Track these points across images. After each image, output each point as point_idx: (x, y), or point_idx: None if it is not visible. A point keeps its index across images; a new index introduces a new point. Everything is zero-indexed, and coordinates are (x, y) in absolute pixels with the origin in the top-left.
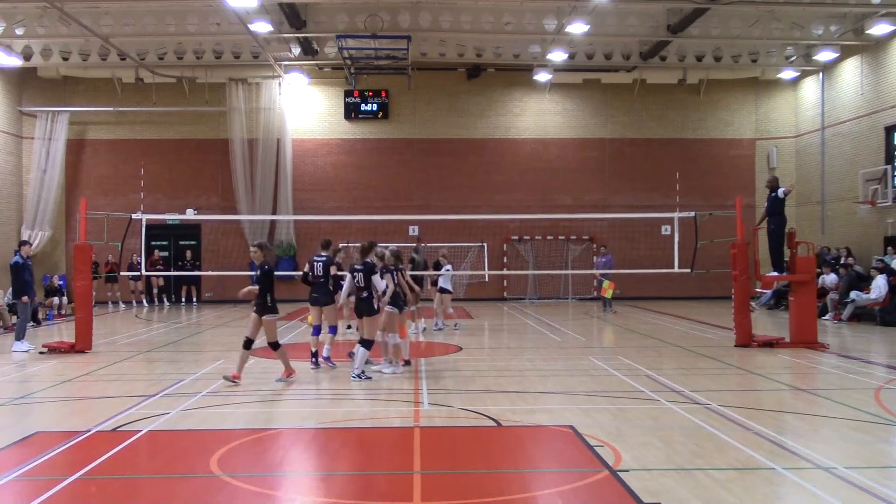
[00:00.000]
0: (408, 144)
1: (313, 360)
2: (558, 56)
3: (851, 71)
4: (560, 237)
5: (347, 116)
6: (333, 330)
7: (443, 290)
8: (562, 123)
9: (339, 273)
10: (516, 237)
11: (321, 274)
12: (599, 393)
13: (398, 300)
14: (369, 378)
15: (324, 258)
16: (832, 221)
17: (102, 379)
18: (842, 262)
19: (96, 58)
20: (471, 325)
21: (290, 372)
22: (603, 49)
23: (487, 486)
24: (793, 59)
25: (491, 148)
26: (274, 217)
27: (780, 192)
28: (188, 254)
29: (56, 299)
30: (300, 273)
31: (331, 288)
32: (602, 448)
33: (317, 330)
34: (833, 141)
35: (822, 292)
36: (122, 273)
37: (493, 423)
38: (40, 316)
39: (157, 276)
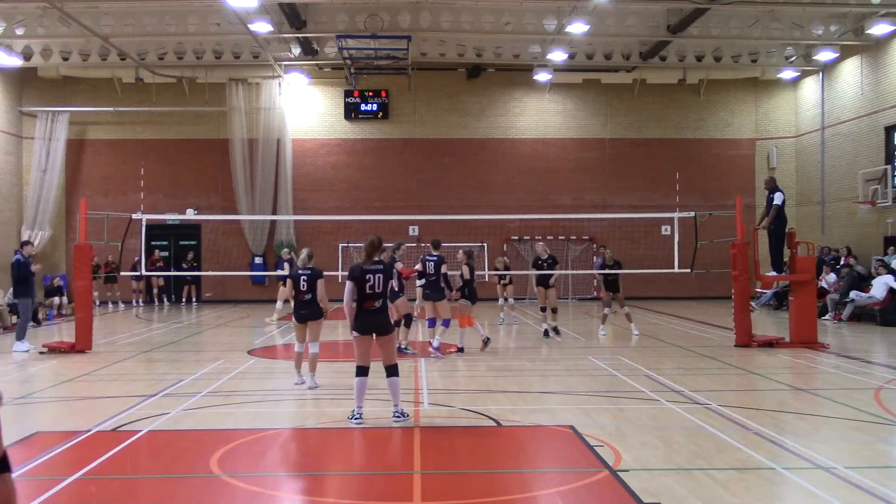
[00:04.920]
0: (408, 144)
1: (433, 349)
2: (558, 56)
3: (851, 71)
4: (560, 237)
5: (347, 116)
6: (447, 323)
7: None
8: (562, 123)
9: (451, 272)
10: (516, 237)
11: (433, 272)
12: (599, 393)
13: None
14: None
15: (435, 257)
16: (832, 221)
17: (102, 379)
18: (842, 262)
19: (96, 58)
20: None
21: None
22: (603, 49)
23: (487, 486)
24: (793, 59)
25: (491, 148)
26: (274, 217)
27: (778, 197)
28: (190, 255)
29: (56, 299)
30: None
31: (442, 285)
32: (602, 448)
33: (431, 322)
34: (833, 141)
35: (822, 292)
36: (123, 273)
37: (493, 423)
38: (40, 316)
39: (157, 276)
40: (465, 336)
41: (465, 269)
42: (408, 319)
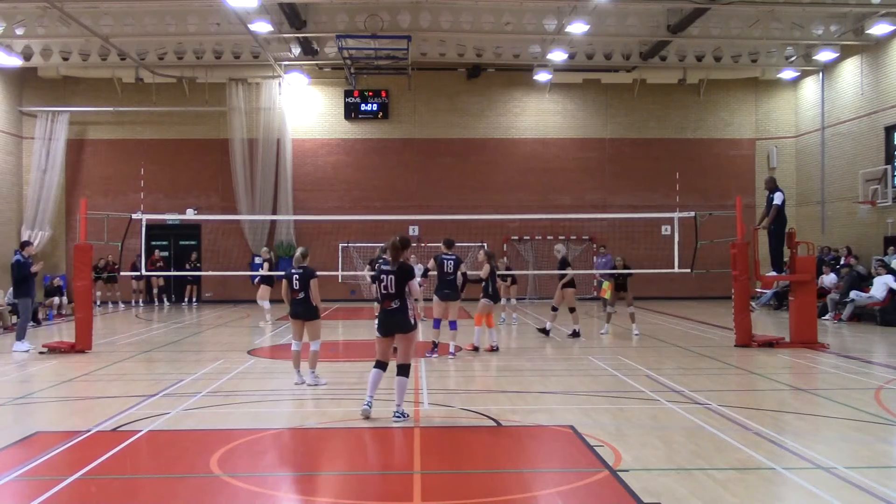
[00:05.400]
0: (408, 144)
1: (434, 350)
2: (558, 56)
3: (851, 71)
4: (560, 237)
5: (347, 116)
6: (454, 325)
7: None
8: (562, 123)
9: (471, 273)
10: (516, 237)
11: (452, 272)
12: (599, 393)
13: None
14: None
15: (454, 257)
16: (832, 221)
17: (102, 379)
18: (842, 262)
19: (96, 58)
20: (469, 324)
21: None
22: (603, 49)
23: (487, 486)
24: (793, 59)
25: (491, 148)
26: (274, 217)
27: (777, 197)
28: (193, 255)
29: (56, 299)
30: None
31: (458, 285)
32: (602, 448)
33: (437, 323)
34: (833, 141)
35: (822, 292)
36: (123, 273)
37: (493, 423)
38: (40, 316)
39: (158, 276)
40: (476, 336)
41: (487, 269)
42: None
